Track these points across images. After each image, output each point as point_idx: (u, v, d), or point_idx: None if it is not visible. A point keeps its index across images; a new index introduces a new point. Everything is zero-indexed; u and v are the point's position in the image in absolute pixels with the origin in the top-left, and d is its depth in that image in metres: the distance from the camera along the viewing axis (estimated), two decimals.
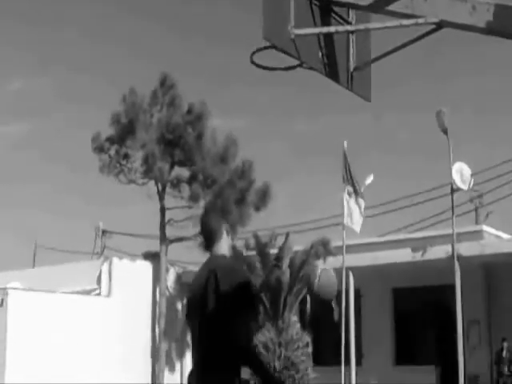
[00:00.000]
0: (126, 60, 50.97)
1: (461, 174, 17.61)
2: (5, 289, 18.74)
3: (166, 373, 21.25)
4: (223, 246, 4.42)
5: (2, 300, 18.53)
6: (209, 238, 4.40)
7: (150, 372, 21.19)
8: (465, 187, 17.88)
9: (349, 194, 17.50)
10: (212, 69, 51.45)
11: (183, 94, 22.58)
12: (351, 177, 17.49)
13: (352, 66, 7.85)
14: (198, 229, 4.04)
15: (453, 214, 17.93)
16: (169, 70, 23.34)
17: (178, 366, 22.48)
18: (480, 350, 18.24)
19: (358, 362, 18.18)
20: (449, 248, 17.18)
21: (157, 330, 21.10)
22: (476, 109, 49.46)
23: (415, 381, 18.15)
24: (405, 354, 19.39)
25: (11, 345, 18.27)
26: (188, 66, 48.75)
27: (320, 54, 7.37)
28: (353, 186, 17.48)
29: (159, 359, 20.83)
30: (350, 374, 17.36)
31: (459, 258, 16.97)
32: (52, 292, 19.39)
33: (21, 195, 56.35)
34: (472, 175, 18.05)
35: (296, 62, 7.18)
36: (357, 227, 17.60)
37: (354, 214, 17.49)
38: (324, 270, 5.68)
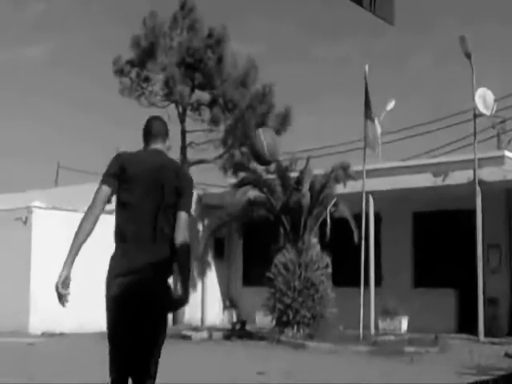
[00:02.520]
0: None
1: (484, 99, 17.50)
2: (28, 207, 18.98)
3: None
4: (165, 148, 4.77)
5: (26, 218, 18.80)
6: (162, 134, 4.72)
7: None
8: (487, 113, 17.79)
9: (369, 119, 17.39)
10: None
11: (203, 19, 22.36)
12: (369, 101, 17.36)
13: None
14: (152, 124, 4.26)
15: (475, 139, 17.87)
16: None
17: (199, 284, 22.86)
18: (500, 274, 18.26)
19: (377, 284, 18.32)
20: (470, 173, 17.16)
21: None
22: (501, 33, 48.63)
23: (434, 303, 18.34)
24: (424, 277, 19.46)
25: (35, 262, 18.61)
26: None
27: None
28: (370, 110, 17.36)
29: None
30: (369, 296, 17.56)
31: (480, 183, 16.96)
32: (75, 211, 19.54)
33: (43, 117, 56.63)
34: (495, 101, 17.92)
35: None
36: (376, 151, 17.56)
37: (373, 138, 17.44)
38: (264, 129, 5.37)
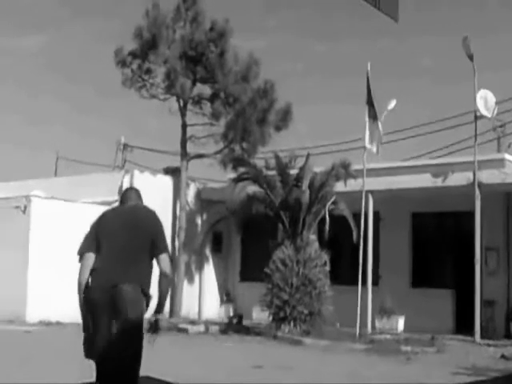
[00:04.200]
0: None
1: (485, 101, 17.43)
2: (27, 196, 18.97)
3: (185, 284, 21.55)
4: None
5: (25, 207, 18.80)
6: (134, 198, 6.13)
7: None
8: (489, 114, 17.72)
9: (370, 117, 17.35)
10: None
11: (206, 12, 22.30)
12: (372, 100, 17.31)
13: None
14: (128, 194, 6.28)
15: (475, 140, 17.80)
16: None
17: (196, 277, 22.91)
18: (497, 277, 18.23)
19: (375, 283, 18.33)
20: (470, 175, 17.13)
21: (177, 242, 21.31)
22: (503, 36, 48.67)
23: (431, 303, 18.33)
24: (422, 277, 19.47)
25: (33, 250, 18.63)
26: None
27: None
28: (373, 109, 17.31)
29: (178, 271, 21.11)
30: (366, 294, 17.55)
31: (480, 185, 16.95)
32: (74, 201, 19.57)
33: (42, 109, 56.49)
34: (496, 103, 17.87)
35: None
36: (376, 151, 17.52)
37: (374, 137, 17.40)
38: None
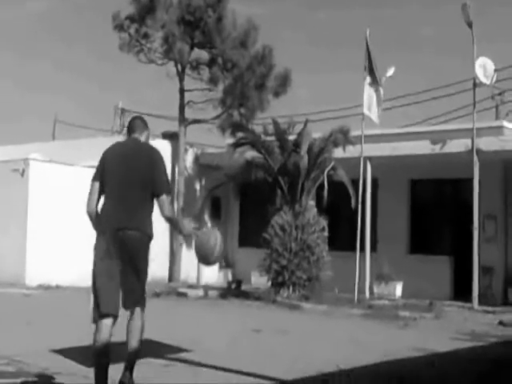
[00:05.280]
0: None
1: (484, 68, 17.32)
2: (26, 159, 18.89)
3: (184, 249, 21.57)
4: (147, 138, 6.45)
5: (23, 170, 18.72)
6: (140, 127, 6.35)
7: (168, 246, 21.78)
8: (487, 82, 17.62)
9: (369, 84, 17.27)
10: None
11: None
12: (372, 66, 17.20)
13: None
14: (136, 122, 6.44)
15: (474, 107, 17.73)
16: None
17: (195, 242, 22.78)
18: (495, 243, 18.33)
19: (373, 249, 18.40)
20: (468, 142, 17.11)
21: (175, 207, 21.28)
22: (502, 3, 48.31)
23: (429, 270, 18.39)
24: (420, 244, 19.54)
25: (32, 214, 18.62)
26: None
27: None
28: (373, 75, 17.21)
29: (177, 235, 21.09)
30: (364, 260, 17.62)
31: (478, 152, 16.93)
32: (72, 165, 19.49)
33: (40, 74, 56.11)
34: (495, 70, 17.77)
35: None
36: (376, 117, 17.46)
37: (373, 103, 17.33)
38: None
